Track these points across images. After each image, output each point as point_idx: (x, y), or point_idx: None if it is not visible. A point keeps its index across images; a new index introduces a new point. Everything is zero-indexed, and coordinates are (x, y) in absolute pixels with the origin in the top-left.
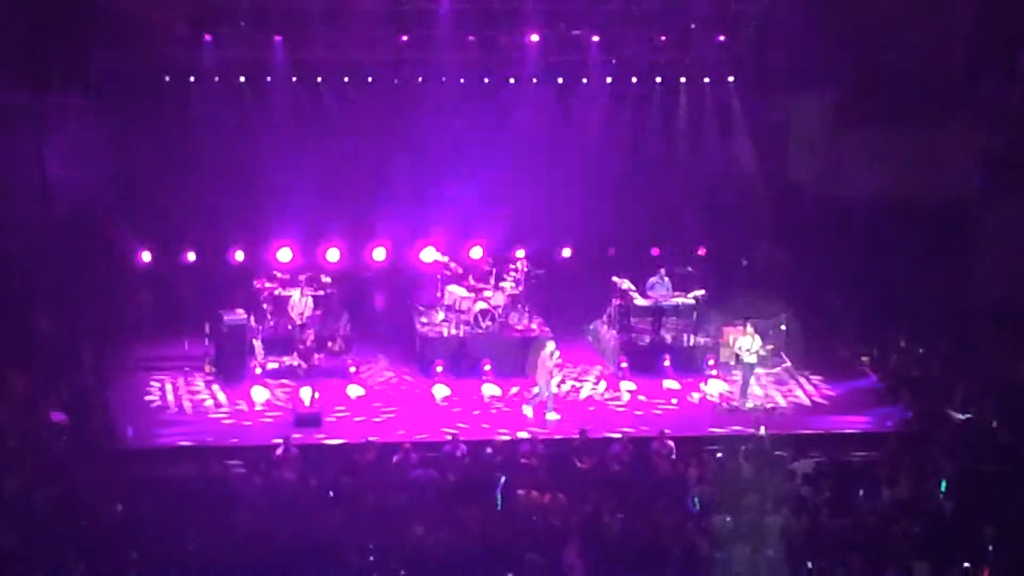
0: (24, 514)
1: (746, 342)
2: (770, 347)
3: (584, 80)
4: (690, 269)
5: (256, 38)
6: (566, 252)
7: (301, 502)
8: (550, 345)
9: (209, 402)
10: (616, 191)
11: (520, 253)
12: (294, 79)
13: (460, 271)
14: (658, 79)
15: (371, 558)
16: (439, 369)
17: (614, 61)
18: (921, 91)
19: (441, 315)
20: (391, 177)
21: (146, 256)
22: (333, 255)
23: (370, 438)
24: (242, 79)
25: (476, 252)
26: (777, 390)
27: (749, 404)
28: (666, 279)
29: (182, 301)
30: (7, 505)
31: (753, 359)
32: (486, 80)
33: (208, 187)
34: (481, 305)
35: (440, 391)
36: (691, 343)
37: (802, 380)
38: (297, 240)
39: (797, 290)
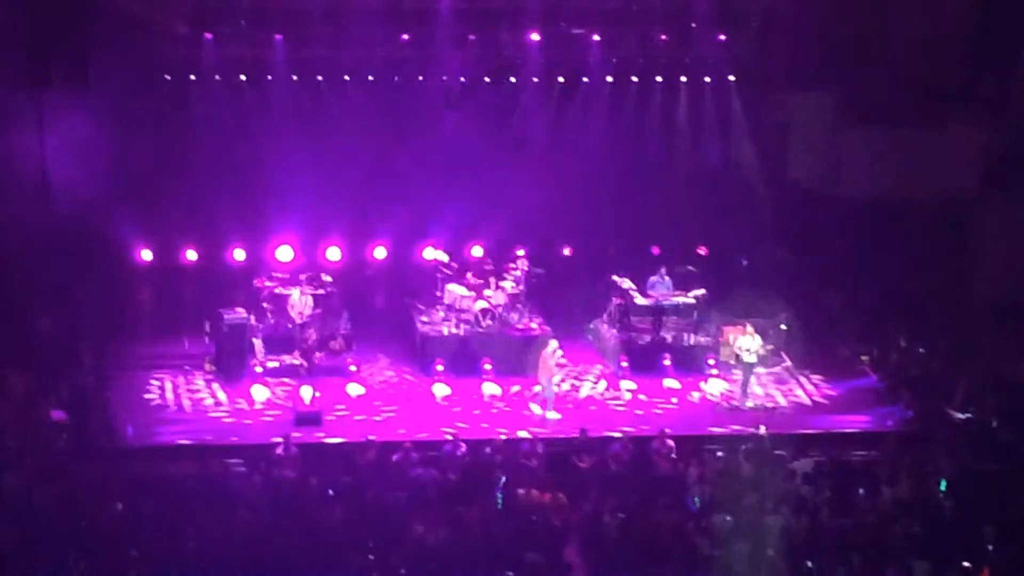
0: (24, 513)
1: (746, 341)
2: (770, 347)
3: (584, 79)
4: (690, 268)
5: (256, 37)
6: (566, 251)
7: (301, 501)
8: (552, 343)
9: (209, 401)
10: (616, 190)
11: (520, 252)
12: (294, 78)
13: (458, 268)
14: (658, 78)
15: (371, 557)
16: (439, 368)
17: (614, 60)
18: (921, 91)
19: (441, 314)
20: (391, 176)
21: (146, 255)
22: (333, 254)
23: (370, 437)
24: (242, 78)
25: (476, 251)
26: (777, 389)
27: (749, 403)
28: (666, 278)
29: (182, 300)
30: (7, 504)
31: (753, 358)
32: (486, 79)
33: (208, 186)
34: (482, 304)
35: (440, 390)
36: (691, 342)
37: (802, 379)
38: (297, 239)
39: (797, 289)
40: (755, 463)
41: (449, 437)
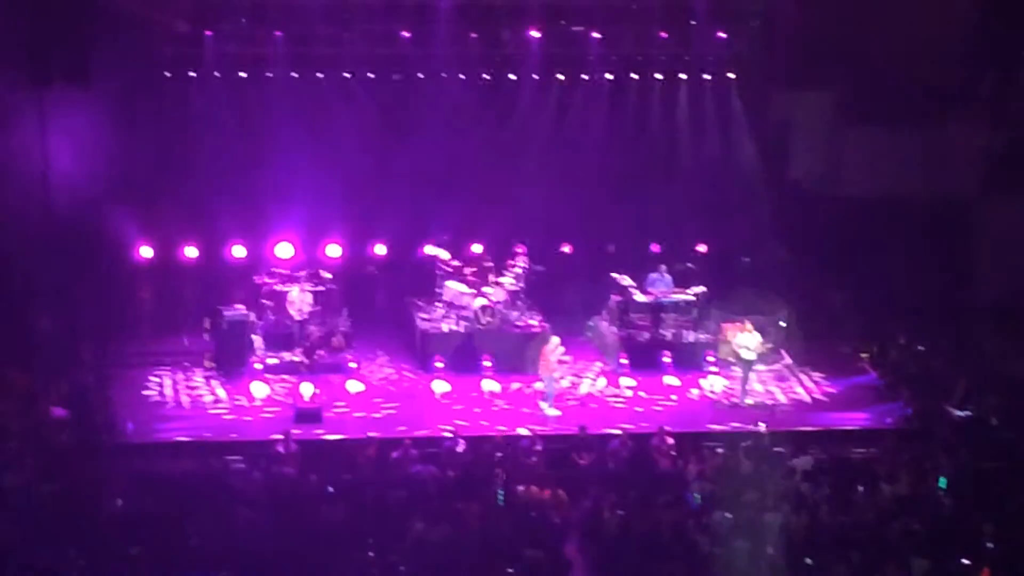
0: (25, 510)
1: (745, 339)
2: (769, 344)
3: (584, 76)
4: (690, 266)
5: (257, 34)
6: (566, 248)
7: (301, 498)
8: (554, 340)
9: (209, 398)
10: (616, 187)
11: (520, 249)
12: (295, 75)
13: (458, 265)
14: (658, 76)
15: (371, 554)
16: (439, 365)
17: (614, 58)
18: (922, 90)
19: (441, 311)
20: (391, 173)
21: (146, 252)
22: (333, 251)
23: (370, 434)
24: (243, 75)
25: (476, 248)
26: (777, 387)
27: (749, 401)
28: (666, 275)
29: (182, 297)
30: (8, 501)
31: (752, 356)
32: (486, 76)
33: (208, 183)
34: (481, 301)
35: (440, 387)
36: (691, 340)
37: (803, 377)
38: (297, 236)
39: (797, 287)
40: (755, 460)
41: (448, 434)
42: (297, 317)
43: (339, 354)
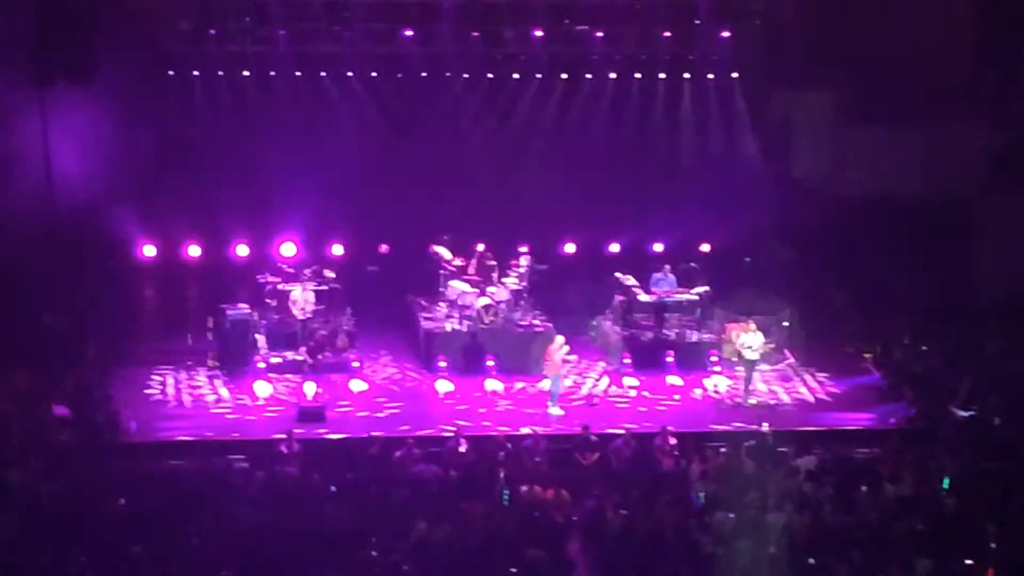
0: (28, 507)
1: (749, 339)
2: (772, 344)
3: (588, 75)
4: (693, 265)
5: (260, 32)
6: (569, 248)
7: (304, 497)
8: (559, 339)
9: (212, 397)
10: (620, 187)
11: (524, 249)
12: (298, 73)
13: (461, 264)
14: (662, 75)
15: (373, 553)
16: (442, 364)
17: (618, 57)
18: (923, 89)
19: (444, 310)
20: (394, 172)
21: (149, 251)
22: (337, 249)
23: (373, 433)
24: (246, 73)
25: (479, 247)
26: (780, 386)
27: (752, 400)
28: (670, 275)
29: (185, 296)
30: (11, 499)
31: (755, 356)
32: (490, 75)
33: (212, 182)
34: (484, 300)
35: (443, 386)
36: (694, 339)
37: (806, 377)
38: (301, 234)
39: (800, 287)
40: (758, 460)
41: (451, 433)
42: (300, 316)
43: (342, 353)
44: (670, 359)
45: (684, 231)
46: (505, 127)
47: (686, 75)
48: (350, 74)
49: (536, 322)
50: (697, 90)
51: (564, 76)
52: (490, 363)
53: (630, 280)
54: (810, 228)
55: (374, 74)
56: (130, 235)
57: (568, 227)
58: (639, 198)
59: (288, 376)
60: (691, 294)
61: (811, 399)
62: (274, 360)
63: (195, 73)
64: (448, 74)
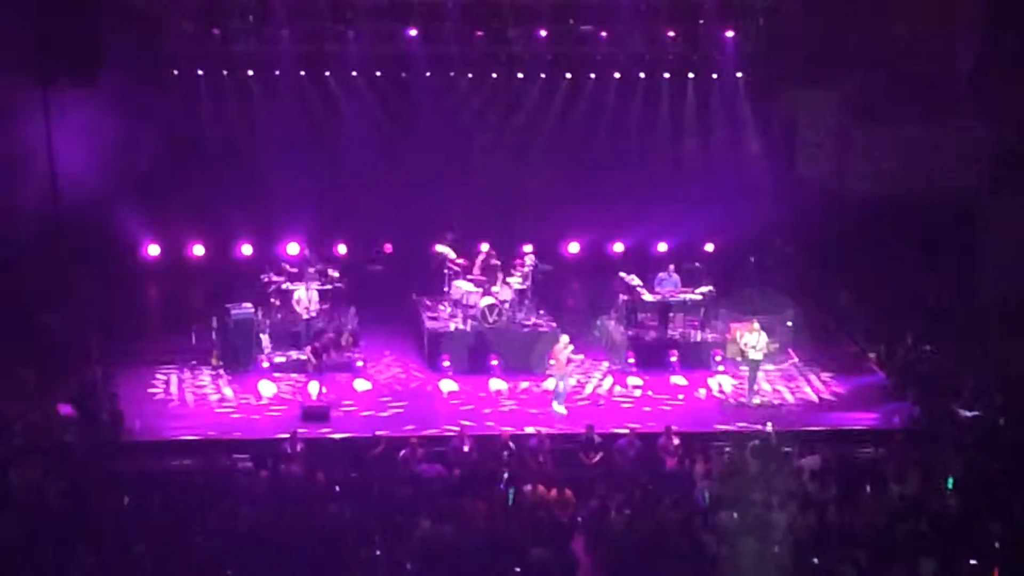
0: (32, 506)
1: (752, 338)
2: (775, 344)
3: (592, 75)
4: (698, 265)
5: (264, 32)
6: (574, 247)
7: (308, 496)
8: (564, 338)
9: (216, 396)
10: (624, 187)
11: (528, 248)
12: (302, 73)
13: (465, 264)
14: (666, 74)
15: (377, 552)
16: (446, 364)
17: (622, 56)
18: (929, 88)
19: (448, 309)
20: (398, 171)
21: (154, 250)
22: (341, 249)
23: (377, 432)
24: (250, 73)
25: (484, 247)
26: (785, 386)
27: (756, 400)
28: (674, 275)
29: (189, 295)
30: (15, 497)
31: (759, 356)
32: (494, 75)
33: (216, 181)
34: (488, 300)
35: (447, 386)
36: (698, 339)
37: (811, 376)
38: (305, 234)
39: (804, 286)
40: (762, 460)
41: (455, 433)
42: (305, 316)
43: (347, 353)
44: (674, 359)
45: (688, 231)
46: (509, 126)
47: (690, 75)
48: (354, 73)
49: (540, 322)
50: (701, 90)
51: (568, 76)
52: (494, 363)
53: (634, 280)
54: (814, 228)
55: (378, 73)
56: (134, 234)
57: (572, 227)
58: (643, 198)
59: (292, 375)
60: (695, 294)
61: (815, 399)
62: (278, 359)
63: (199, 72)
64: (452, 73)
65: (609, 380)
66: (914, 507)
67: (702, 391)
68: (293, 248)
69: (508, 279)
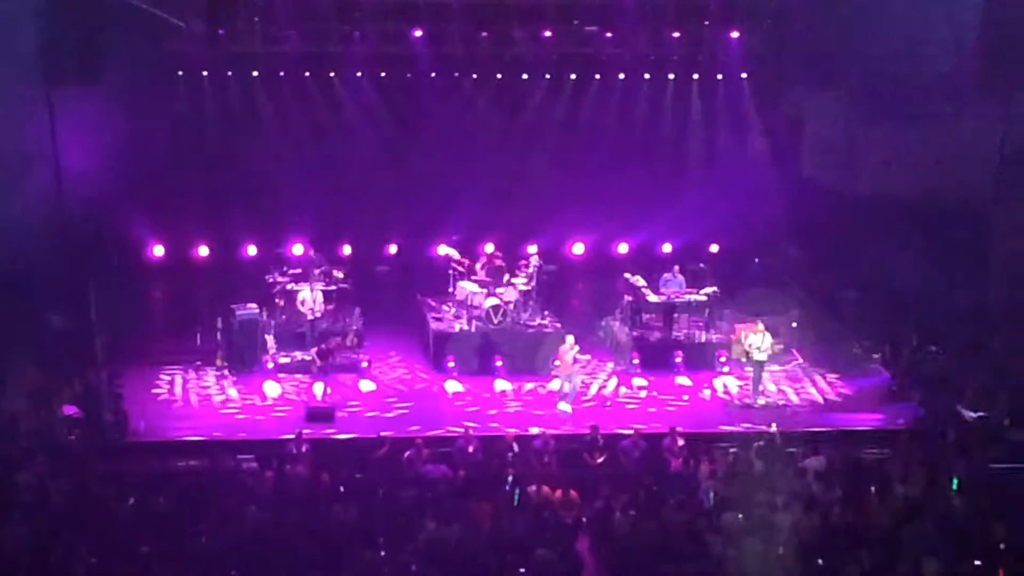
0: (36, 507)
1: (757, 339)
2: (780, 345)
3: (597, 76)
4: (702, 266)
5: (269, 32)
6: (578, 248)
7: (312, 497)
8: (569, 339)
9: (221, 397)
10: (628, 187)
11: (532, 249)
12: (307, 74)
13: (470, 265)
14: (671, 75)
15: (382, 553)
16: (451, 365)
17: (627, 57)
18: (935, 88)
19: (452, 310)
20: (403, 172)
21: (158, 251)
22: (346, 250)
23: (382, 433)
24: (255, 73)
25: (488, 248)
26: (790, 387)
27: (761, 401)
28: (679, 276)
29: (194, 296)
30: (20, 498)
31: (763, 356)
32: (499, 75)
33: (221, 182)
34: (492, 301)
35: (452, 387)
36: (703, 340)
37: (816, 377)
38: (310, 235)
39: (809, 287)
40: (766, 461)
41: (460, 433)
42: (309, 316)
43: (351, 353)
44: (679, 359)
45: (693, 231)
46: (514, 127)
47: (695, 75)
48: (359, 74)
49: (544, 322)
50: (706, 90)
51: (573, 76)
52: (499, 363)
53: (639, 280)
54: (819, 228)
55: (383, 74)
56: (139, 235)
57: (577, 227)
58: (648, 199)
59: (297, 376)
60: (700, 294)
61: (820, 400)
62: (283, 360)
63: (204, 73)
64: (457, 74)
65: (614, 381)
66: (919, 508)
67: (707, 392)
68: (298, 249)
69: (513, 280)
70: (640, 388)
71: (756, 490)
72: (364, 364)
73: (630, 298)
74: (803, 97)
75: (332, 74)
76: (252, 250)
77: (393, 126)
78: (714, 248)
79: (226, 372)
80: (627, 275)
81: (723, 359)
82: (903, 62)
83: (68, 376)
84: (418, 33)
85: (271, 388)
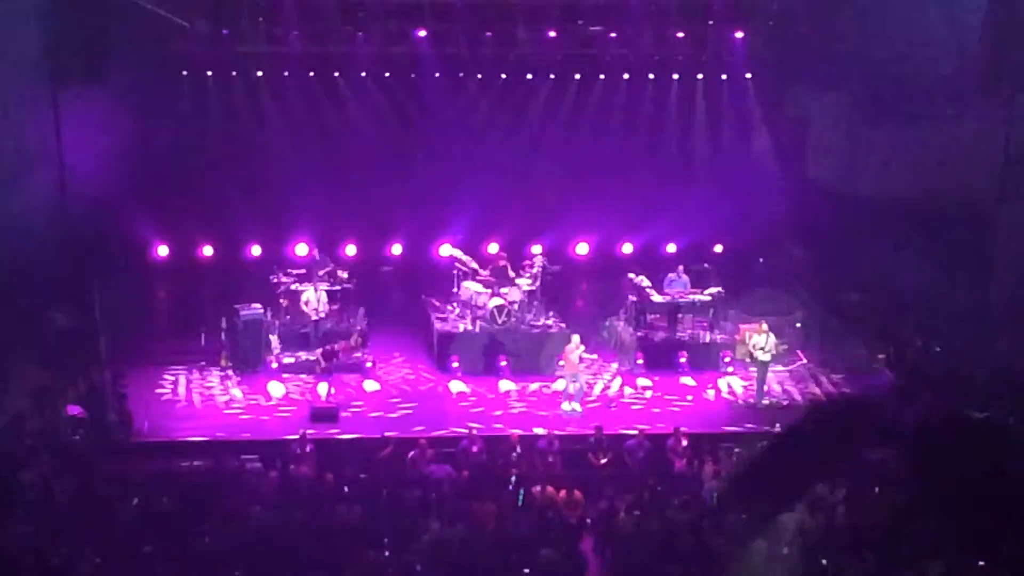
0: (40, 507)
1: (761, 340)
2: (784, 345)
3: (601, 76)
4: (707, 266)
5: (274, 33)
6: (582, 248)
7: (317, 497)
8: (575, 338)
9: (225, 397)
10: (633, 187)
11: (536, 249)
12: (311, 74)
13: (475, 266)
14: (675, 75)
15: (386, 553)
16: (455, 365)
17: (631, 57)
18: (939, 89)
19: (457, 310)
20: (408, 172)
21: (163, 251)
22: (350, 250)
23: (387, 433)
24: (259, 74)
25: (492, 248)
26: (794, 387)
27: (765, 401)
28: (683, 276)
29: (199, 296)
30: (24, 498)
31: (768, 357)
32: (503, 76)
33: (225, 182)
34: (497, 301)
35: (456, 387)
36: (707, 340)
37: (820, 378)
38: (314, 235)
39: (814, 287)
40: None
41: (465, 434)
42: (314, 317)
43: (356, 354)
44: (683, 360)
45: (697, 232)
46: (518, 127)
47: (700, 76)
48: (363, 74)
49: (549, 323)
50: (711, 91)
51: (577, 77)
52: (503, 364)
53: (643, 281)
54: (824, 229)
55: (387, 74)
56: (144, 235)
57: (581, 228)
58: (652, 199)
59: (301, 376)
60: (704, 295)
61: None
62: (287, 360)
63: (208, 74)
64: (461, 74)
65: (618, 381)
66: (923, 508)
67: (711, 392)
68: (302, 249)
69: (517, 280)
70: (644, 388)
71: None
72: (368, 364)
73: (634, 298)
74: (806, 98)
75: (336, 74)
76: (256, 250)
77: (397, 126)
78: (718, 248)
79: (230, 372)
80: (631, 275)
81: (727, 359)
82: (905, 63)
83: (72, 376)
84: (422, 33)
85: (275, 388)
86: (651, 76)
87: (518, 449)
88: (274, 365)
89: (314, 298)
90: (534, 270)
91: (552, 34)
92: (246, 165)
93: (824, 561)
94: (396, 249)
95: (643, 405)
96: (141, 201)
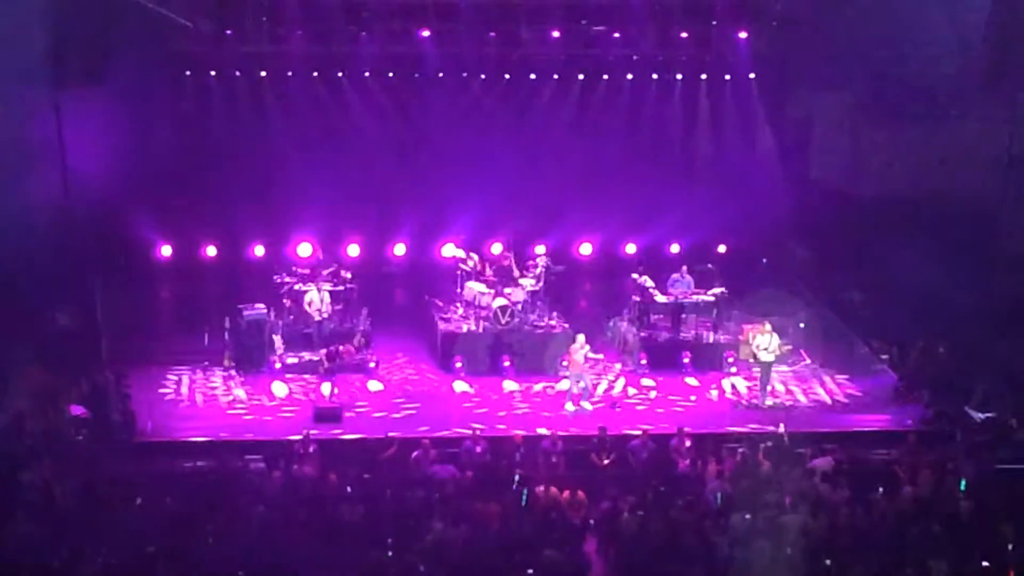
0: (43, 507)
1: (765, 340)
2: (787, 346)
3: (605, 76)
4: (710, 266)
5: (277, 33)
6: (586, 248)
7: (320, 497)
8: (580, 338)
9: (228, 397)
10: (636, 188)
11: (540, 249)
12: (315, 74)
13: (478, 267)
14: (679, 76)
15: (389, 553)
16: (459, 365)
17: (635, 57)
18: (942, 89)
19: (460, 311)
20: (411, 172)
21: (166, 251)
22: (353, 250)
23: (390, 434)
24: (263, 74)
25: (496, 248)
26: (797, 387)
27: (768, 402)
28: (687, 276)
29: (202, 296)
30: (27, 497)
31: (771, 357)
32: (507, 76)
33: (228, 182)
34: (500, 301)
35: (460, 387)
36: (711, 340)
37: (824, 378)
38: (317, 235)
39: (817, 288)
40: (774, 461)
41: (468, 434)
42: (317, 317)
43: (359, 354)
44: (687, 360)
45: (701, 232)
46: (522, 127)
47: (703, 76)
48: (367, 74)
49: (552, 323)
50: (714, 91)
51: (581, 77)
52: (506, 364)
53: (647, 281)
54: (827, 229)
55: (391, 74)
56: (147, 235)
57: (585, 228)
58: (656, 199)
59: (305, 376)
60: (708, 295)
61: (828, 400)
62: (290, 360)
63: (212, 73)
64: (465, 75)
65: (622, 382)
66: (926, 509)
67: (715, 392)
68: (305, 249)
69: (520, 280)
70: (648, 389)
71: (764, 491)
72: (372, 364)
73: (638, 298)
74: (810, 98)
75: (340, 74)
76: (260, 250)
77: (400, 126)
78: (722, 249)
79: (233, 372)
80: (635, 276)
81: (731, 360)
82: (908, 63)
83: (75, 376)
84: (426, 33)
85: (279, 388)
86: (654, 76)
87: (522, 449)
88: (277, 365)
89: (317, 298)
90: (538, 270)
91: (556, 34)
92: (250, 165)
93: (827, 561)
94: (400, 249)
95: (647, 405)
96: (144, 201)
